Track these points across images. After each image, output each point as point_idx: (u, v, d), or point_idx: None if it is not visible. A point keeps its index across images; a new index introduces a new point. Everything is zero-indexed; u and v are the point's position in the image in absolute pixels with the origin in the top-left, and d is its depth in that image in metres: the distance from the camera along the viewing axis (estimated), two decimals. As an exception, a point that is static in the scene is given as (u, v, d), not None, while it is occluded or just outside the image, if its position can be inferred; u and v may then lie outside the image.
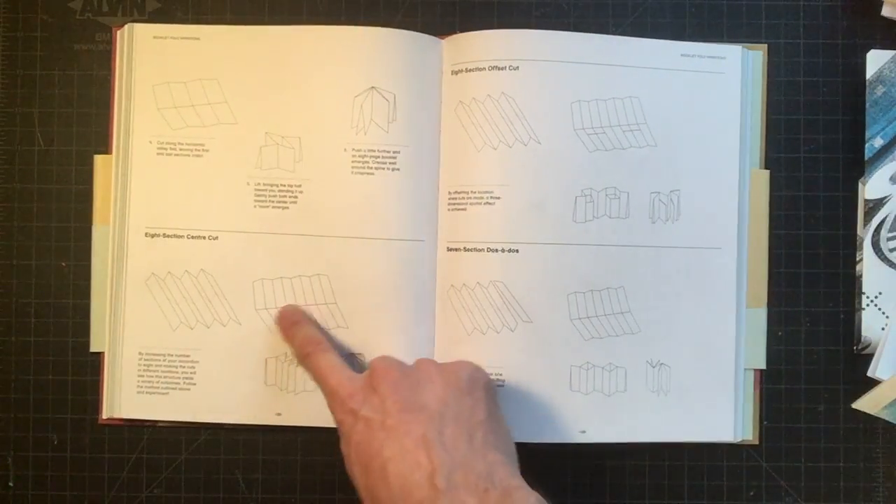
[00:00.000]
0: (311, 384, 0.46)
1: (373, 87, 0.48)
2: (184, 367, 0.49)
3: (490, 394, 0.41)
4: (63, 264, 0.50)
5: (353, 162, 0.48)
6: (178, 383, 0.49)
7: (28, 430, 0.50)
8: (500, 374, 0.48)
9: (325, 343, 0.45)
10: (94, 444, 0.50)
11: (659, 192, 0.49)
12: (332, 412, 0.42)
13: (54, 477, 0.50)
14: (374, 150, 0.48)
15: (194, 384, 0.49)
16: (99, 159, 0.50)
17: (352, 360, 0.47)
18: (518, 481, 0.37)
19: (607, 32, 0.51)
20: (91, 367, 0.50)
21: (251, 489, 0.50)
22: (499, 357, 0.48)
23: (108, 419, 0.49)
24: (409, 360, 0.45)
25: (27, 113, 0.51)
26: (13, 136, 0.51)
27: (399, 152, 0.48)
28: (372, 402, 0.40)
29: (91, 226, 0.50)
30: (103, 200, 0.50)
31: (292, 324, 0.47)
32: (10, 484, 0.50)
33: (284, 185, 0.48)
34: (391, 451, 0.38)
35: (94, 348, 0.50)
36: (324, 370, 0.43)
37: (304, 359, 0.45)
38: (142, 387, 0.49)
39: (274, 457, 0.50)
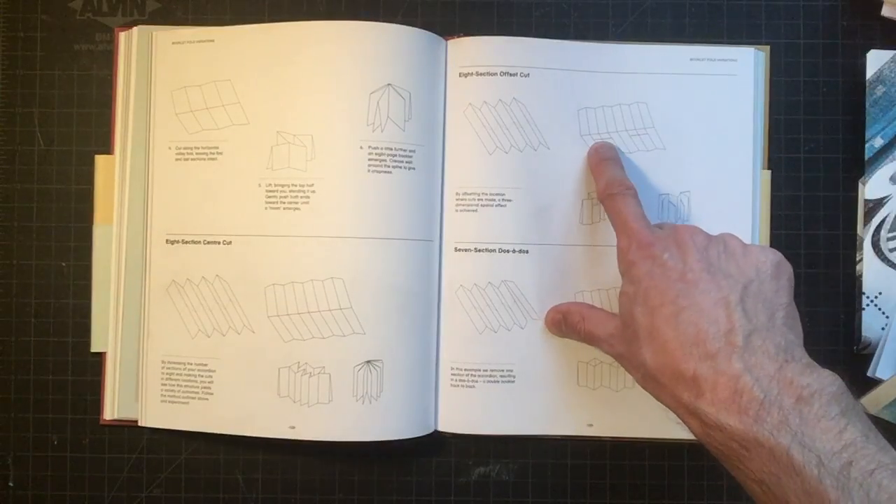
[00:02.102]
0: (325, 396, 0.46)
1: (389, 84, 0.47)
2: (202, 376, 0.48)
3: (792, 286, 0.40)
4: (63, 264, 0.50)
5: (369, 160, 0.47)
6: (196, 392, 0.48)
7: (28, 430, 0.50)
8: (511, 370, 0.49)
9: (634, 189, 0.45)
10: (94, 444, 0.50)
11: (668, 194, 0.49)
12: (625, 253, 0.42)
13: (54, 477, 0.50)
14: (392, 148, 0.47)
15: (212, 394, 0.48)
16: (100, 159, 0.50)
17: (369, 367, 0.47)
18: (815, 364, 0.36)
19: (607, 33, 0.51)
20: (91, 367, 0.50)
21: (251, 489, 0.50)
22: (509, 354, 0.49)
23: (111, 420, 0.49)
24: (423, 362, 0.47)
25: (27, 113, 0.51)
26: (13, 136, 0.51)
27: (415, 151, 0.48)
28: (675, 254, 0.40)
29: (91, 226, 0.50)
30: (105, 200, 0.50)
31: (602, 160, 0.47)
32: (11, 484, 0.50)
33: (296, 185, 0.47)
34: (688, 302, 0.38)
35: (94, 348, 0.50)
36: (627, 213, 0.43)
37: (608, 199, 0.45)
38: (165, 396, 0.49)
39: (274, 457, 0.50)
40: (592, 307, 0.47)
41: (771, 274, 0.39)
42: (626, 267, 0.42)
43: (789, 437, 0.33)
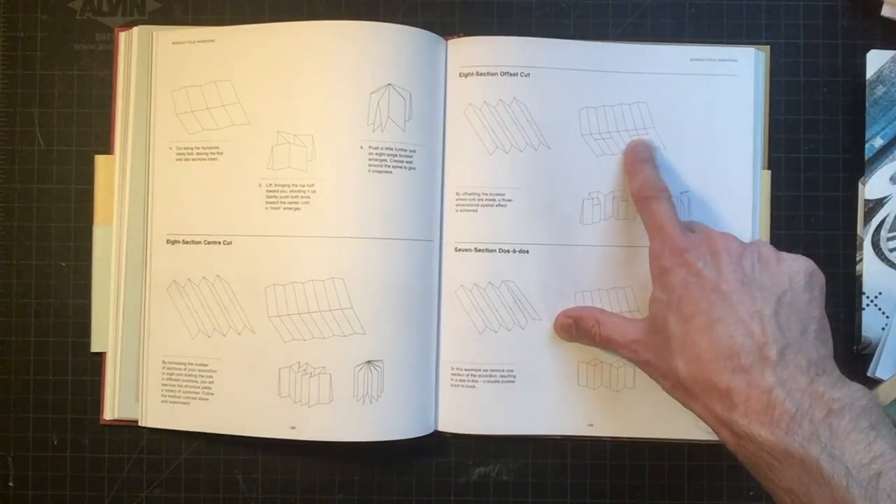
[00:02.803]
0: (326, 396, 0.46)
1: (389, 84, 0.47)
2: (202, 376, 0.48)
3: (823, 296, 0.41)
4: (63, 264, 0.50)
5: (369, 159, 0.47)
6: (197, 392, 0.48)
7: (28, 430, 0.50)
8: (511, 370, 0.48)
9: (668, 192, 0.45)
10: (94, 444, 0.50)
11: None
12: (658, 258, 0.42)
13: (54, 477, 0.50)
14: (392, 149, 0.47)
15: (212, 394, 0.48)
16: (100, 159, 0.50)
17: (370, 367, 0.47)
18: (845, 378, 0.37)
19: (607, 32, 0.51)
20: (91, 367, 0.50)
21: (251, 489, 0.50)
22: (510, 354, 0.49)
23: (111, 420, 0.49)
24: (423, 362, 0.47)
25: (27, 113, 0.51)
26: (13, 136, 0.51)
27: (415, 151, 0.48)
28: (709, 263, 0.40)
29: (91, 226, 0.50)
30: (105, 200, 0.50)
31: (638, 160, 0.47)
32: (11, 484, 0.50)
33: (296, 186, 0.47)
34: (722, 314, 0.38)
35: (94, 348, 0.50)
36: (661, 217, 0.43)
37: (643, 201, 0.45)
38: (165, 396, 0.49)
39: (274, 457, 0.50)
40: (605, 311, 0.47)
41: (804, 285, 0.39)
42: (658, 272, 0.42)
43: (819, 448, 0.34)
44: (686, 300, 0.40)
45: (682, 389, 0.40)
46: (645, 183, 0.45)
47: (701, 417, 0.39)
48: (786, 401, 0.35)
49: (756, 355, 0.37)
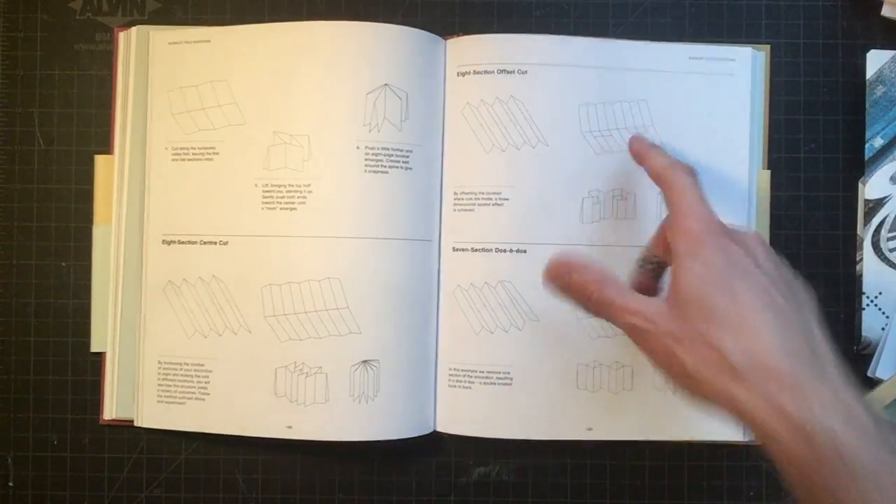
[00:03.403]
0: (322, 396, 0.47)
1: (386, 85, 0.47)
2: (198, 376, 0.48)
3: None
4: (63, 264, 0.50)
5: (366, 160, 0.47)
6: (193, 393, 0.48)
7: (28, 430, 0.50)
8: (508, 372, 0.48)
9: (694, 169, 0.41)
10: (94, 444, 0.50)
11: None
12: (696, 233, 0.38)
13: (54, 477, 0.50)
14: (388, 149, 0.47)
15: (208, 394, 0.48)
16: (100, 159, 0.50)
17: (366, 367, 0.47)
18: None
19: (607, 32, 0.51)
20: (91, 367, 0.50)
21: (251, 489, 0.50)
22: (507, 355, 0.48)
23: (110, 420, 0.50)
24: (420, 362, 0.47)
25: (27, 113, 0.51)
26: (13, 136, 0.51)
27: (412, 151, 0.48)
28: (751, 249, 0.38)
29: (91, 226, 0.50)
30: (104, 200, 0.50)
31: (648, 145, 0.45)
32: (10, 484, 0.50)
33: (292, 186, 0.47)
34: (770, 299, 0.36)
35: (94, 348, 0.50)
36: (694, 193, 0.40)
37: (670, 173, 0.41)
38: (161, 396, 0.49)
39: (273, 457, 0.50)
40: (613, 277, 0.40)
41: (805, 304, 0.38)
42: (695, 247, 0.38)
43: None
44: (735, 277, 0.37)
45: (725, 370, 0.35)
46: (667, 159, 0.43)
47: (741, 403, 0.35)
48: (864, 414, 0.33)
49: (817, 360, 0.35)
